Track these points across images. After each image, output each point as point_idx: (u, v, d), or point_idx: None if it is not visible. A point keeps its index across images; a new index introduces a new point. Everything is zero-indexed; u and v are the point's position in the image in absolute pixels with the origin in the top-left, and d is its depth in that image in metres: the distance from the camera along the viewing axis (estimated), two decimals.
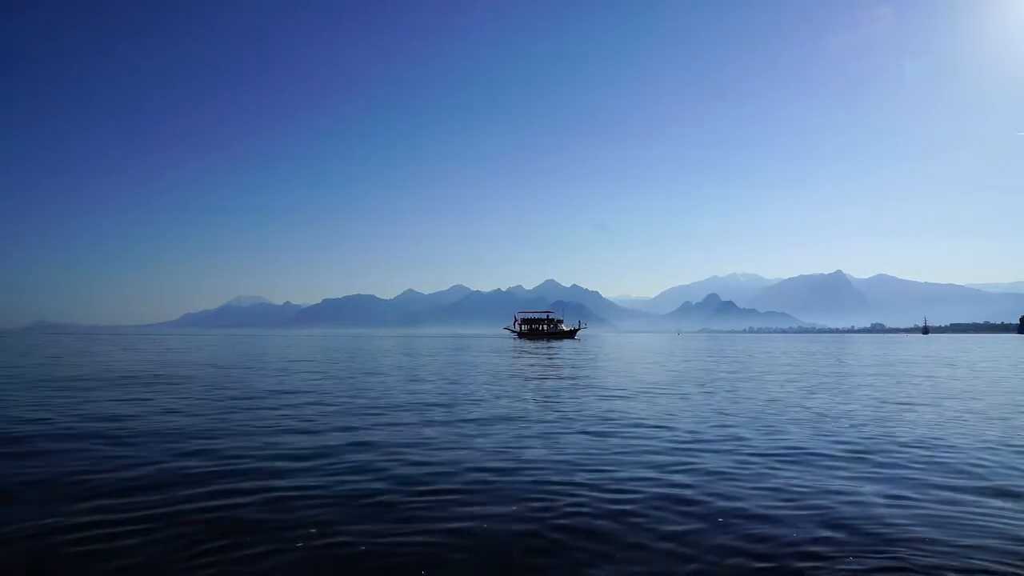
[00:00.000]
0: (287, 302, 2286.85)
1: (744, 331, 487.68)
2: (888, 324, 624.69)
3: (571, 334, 71.23)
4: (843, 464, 5.32)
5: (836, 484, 4.61)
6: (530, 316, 72.51)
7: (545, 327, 70.26)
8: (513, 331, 73.30)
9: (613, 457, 5.57)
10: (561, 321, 71.04)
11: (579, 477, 4.79)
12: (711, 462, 5.36)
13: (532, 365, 20.18)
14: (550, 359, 23.75)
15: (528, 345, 42.38)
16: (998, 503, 4.15)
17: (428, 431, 6.92)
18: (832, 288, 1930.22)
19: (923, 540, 3.41)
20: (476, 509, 3.96)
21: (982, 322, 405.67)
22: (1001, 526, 3.67)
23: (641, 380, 14.09)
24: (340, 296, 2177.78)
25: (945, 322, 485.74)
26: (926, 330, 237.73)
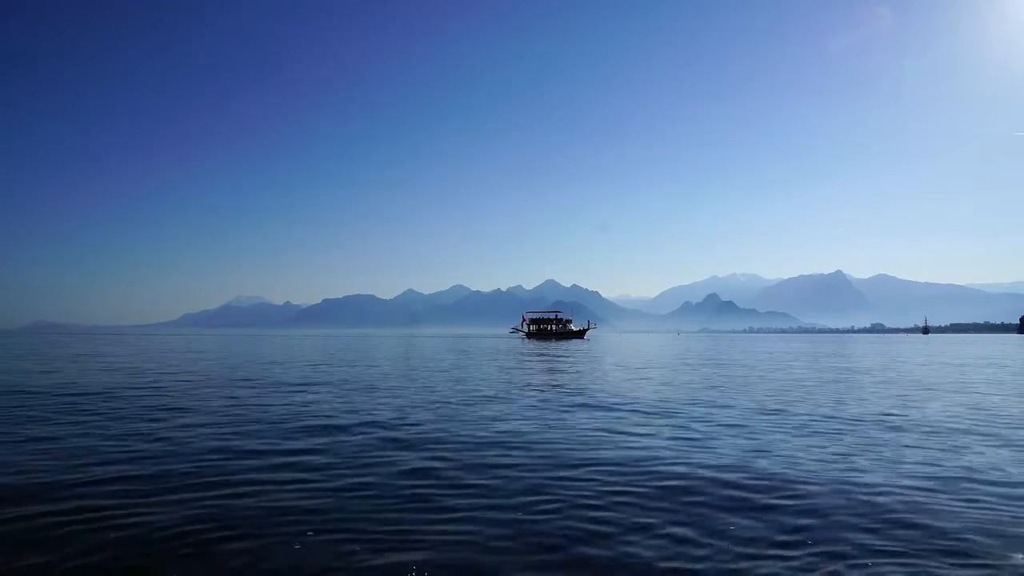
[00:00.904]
0: (287, 302, 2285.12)
1: (744, 331, 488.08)
2: (888, 324, 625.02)
3: (580, 334, 70.16)
4: None
5: None
6: (538, 316, 71.62)
7: (554, 327, 69.33)
8: (521, 331, 72.70)
9: None
10: (570, 321, 70.05)
11: None
12: None
13: (578, 369, 20.77)
14: (581, 367, 20.19)
15: (540, 346, 41.52)
16: None
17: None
18: (832, 288, 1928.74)
19: None
20: None
21: (982, 322, 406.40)
22: None
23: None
24: (340, 296, 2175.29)
25: (945, 322, 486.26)
26: (926, 330, 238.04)
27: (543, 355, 28.68)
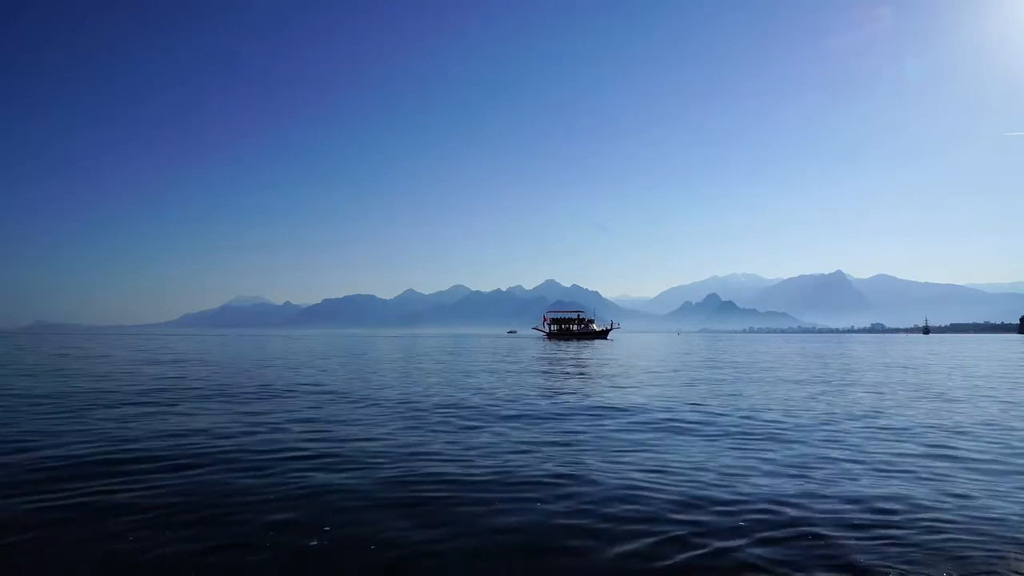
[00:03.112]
0: (287, 302, 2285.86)
1: (744, 331, 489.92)
2: (888, 324, 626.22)
3: (603, 334, 69.44)
4: None
5: None
6: (560, 316, 71.45)
7: (575, 327, 69.27)
8: (543, 331, 72.92)
9: None
10: (592, 321, 69.76)
11: None
12: None
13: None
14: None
15: (565, 347, 40.29)
16: None
17: None
18: (832, 288, 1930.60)
19: None
20: None
21: (982, 322, 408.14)
22: None
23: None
24: (340, 296, 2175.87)
25: (945, 322, 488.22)
26: (926, 330, 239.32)
27: (626, 367, 19.63)
